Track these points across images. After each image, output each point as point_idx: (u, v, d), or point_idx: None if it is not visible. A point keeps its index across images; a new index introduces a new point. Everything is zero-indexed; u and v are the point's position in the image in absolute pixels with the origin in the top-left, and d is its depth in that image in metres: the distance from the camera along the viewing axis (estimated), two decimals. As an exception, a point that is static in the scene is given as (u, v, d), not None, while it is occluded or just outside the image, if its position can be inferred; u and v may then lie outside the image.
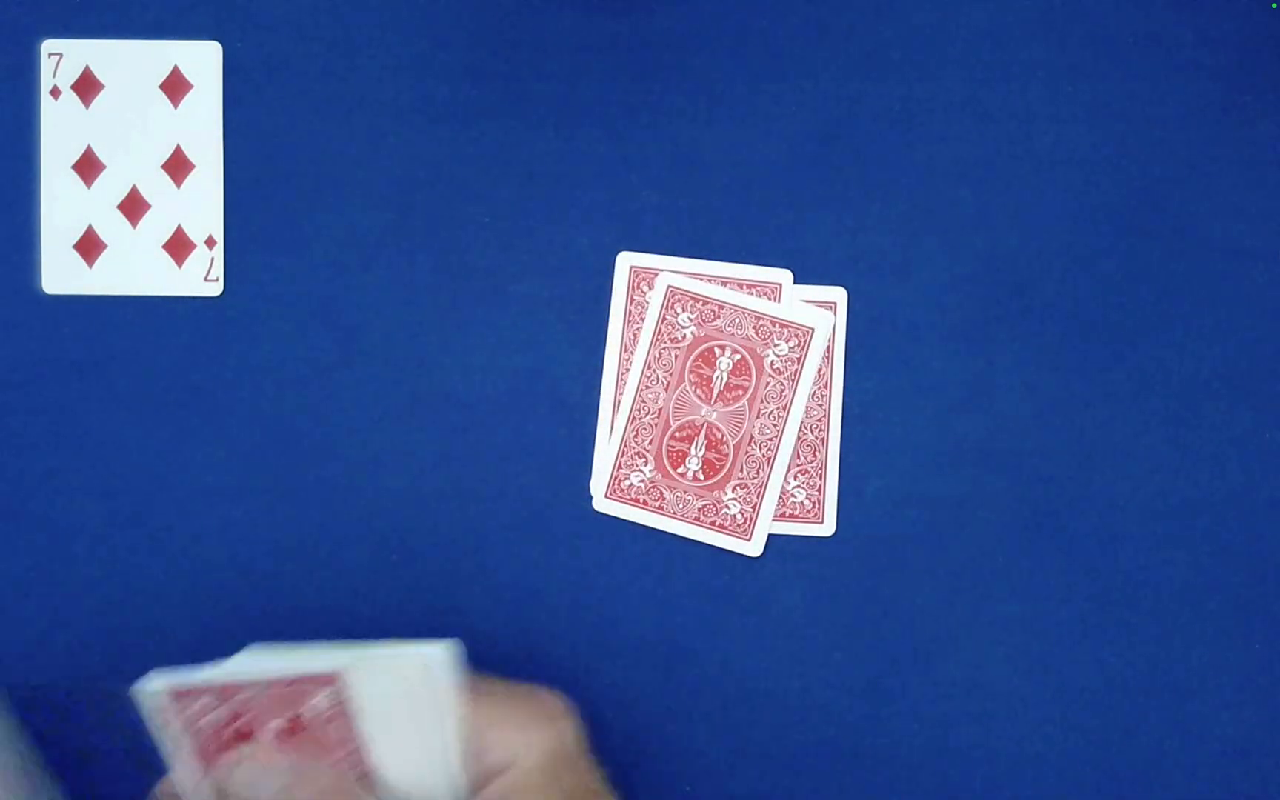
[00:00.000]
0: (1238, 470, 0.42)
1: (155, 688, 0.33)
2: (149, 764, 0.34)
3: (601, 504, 0.42)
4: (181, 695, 0.33)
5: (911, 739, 0.41)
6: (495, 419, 0.42)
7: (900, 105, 0.43)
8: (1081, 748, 0.42)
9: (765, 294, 0.42)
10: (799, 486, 0.42)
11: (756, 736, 0.42)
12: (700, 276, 0.42)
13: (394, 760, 0.34)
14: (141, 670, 0.42)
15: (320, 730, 0.34)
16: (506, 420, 0.42)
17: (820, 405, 0.42)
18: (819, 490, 0.42)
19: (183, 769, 0.34)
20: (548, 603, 0.42)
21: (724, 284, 0.42)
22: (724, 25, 0.43)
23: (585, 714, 0.35)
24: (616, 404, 0.42)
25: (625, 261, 0.42)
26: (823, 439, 0.42)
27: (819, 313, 0.42)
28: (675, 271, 0.42)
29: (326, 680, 0.34)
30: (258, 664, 0.34)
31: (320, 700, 0.34)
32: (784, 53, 0.43)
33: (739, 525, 0.42)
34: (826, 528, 0.42)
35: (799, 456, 0.42)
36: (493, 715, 0.34)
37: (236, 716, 0.34)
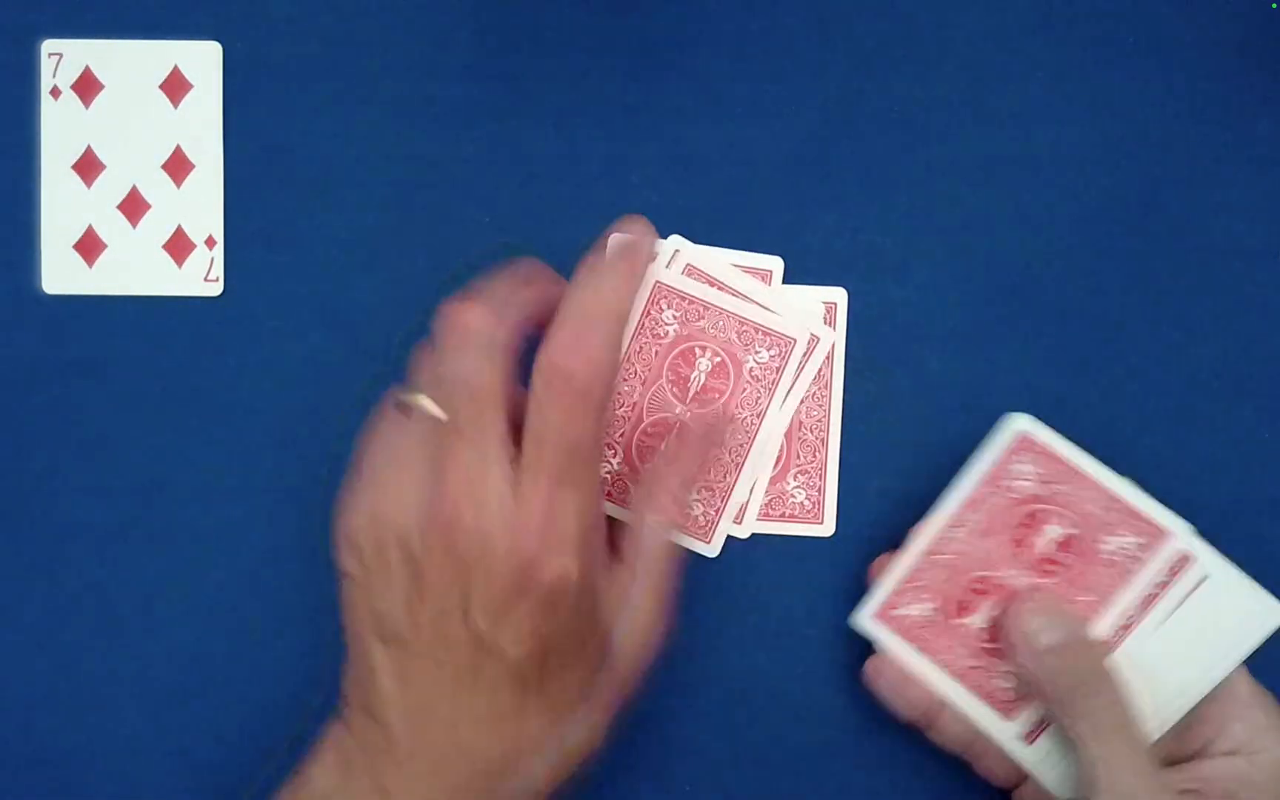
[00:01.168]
0: (1238, 470, 0.42)
1: (1022, 426, 0.37)
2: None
3: None
4: (1022, 448, 0.36)
5: (911, 739, 0.41)
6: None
7: (900, 105, 0.43)
8: (1081, 748, 0.42)
9: (759, 278, 0.42)
10: (799, 486, 0.42)
11: (756, 736, 0.42)
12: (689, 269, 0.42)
13: (1146, 645, 0.35)
14: (140, 671, 0.42)
15: (1086, 565, 0.35)
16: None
17: (820, 405, 0.42)
18: (819, 490, 0.42)
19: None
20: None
21: (714, 271, 0.42)
22: (724, 25, 0.43)
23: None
24: None
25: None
26: (823, 439, 0.42)
27: (804, 325, 0.41)
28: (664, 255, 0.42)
29: (1168, 542, 0.35)
30: (1118, 481, 0.36)
31: (1155, 559, 0.35)
32: (784, 53, 0.43)
33: (700, 526, 0.41)
34: (826, 528, 0.42)
35: (799, 457, 0.42)
36: (1248, 697, 0.35)
37: (1038, 500, 0.36)
